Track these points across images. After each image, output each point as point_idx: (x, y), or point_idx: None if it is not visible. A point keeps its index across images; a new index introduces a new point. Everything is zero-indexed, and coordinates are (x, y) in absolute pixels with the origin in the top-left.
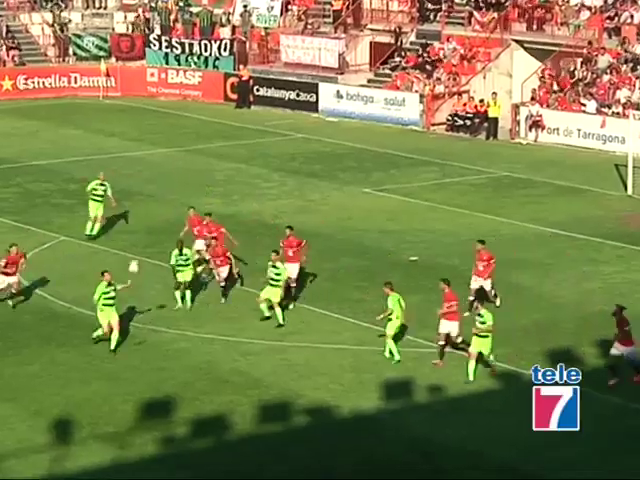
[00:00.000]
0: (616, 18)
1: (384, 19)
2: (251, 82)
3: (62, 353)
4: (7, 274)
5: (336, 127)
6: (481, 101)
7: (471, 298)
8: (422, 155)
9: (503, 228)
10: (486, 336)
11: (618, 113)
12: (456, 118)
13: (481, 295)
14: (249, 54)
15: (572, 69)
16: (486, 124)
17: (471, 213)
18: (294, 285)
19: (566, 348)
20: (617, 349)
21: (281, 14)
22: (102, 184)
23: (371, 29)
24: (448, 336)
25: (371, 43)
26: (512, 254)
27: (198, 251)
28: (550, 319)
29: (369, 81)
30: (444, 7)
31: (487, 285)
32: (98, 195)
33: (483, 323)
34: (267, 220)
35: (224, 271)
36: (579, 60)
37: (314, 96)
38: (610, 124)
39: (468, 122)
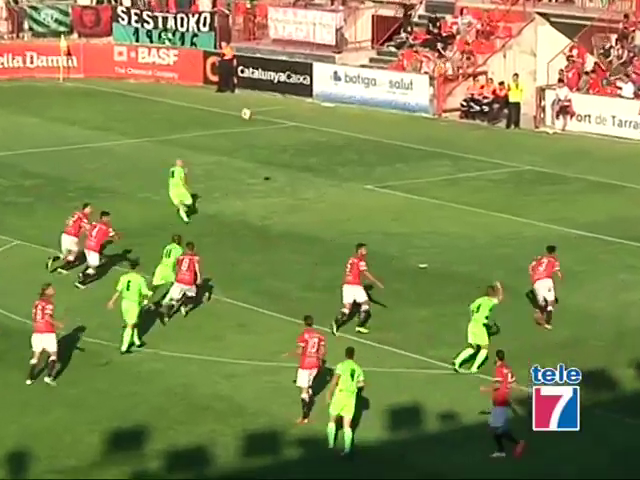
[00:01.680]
0: None
1: None
2: (235, 62)
3: (17, 375)
4: None
5: (333, 114)
6: (501, 84)
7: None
8: (432, 146)
9: (525, 230)
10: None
11: None
12: (472, 103)
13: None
14: (232, 29)
15: (606, 47)
16: (506, 110)
17: (488, 213)
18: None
19: (599, 369)
20: None
21: None
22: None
23: (374, 0)
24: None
25: (373, 17)
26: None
27: None
28: (580, 336)
29: (371, 60)
30: None
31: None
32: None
33: None
34: (253, 221)
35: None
36: (614, 36)
37: (308, 78)
38: None
39: (485, 108)
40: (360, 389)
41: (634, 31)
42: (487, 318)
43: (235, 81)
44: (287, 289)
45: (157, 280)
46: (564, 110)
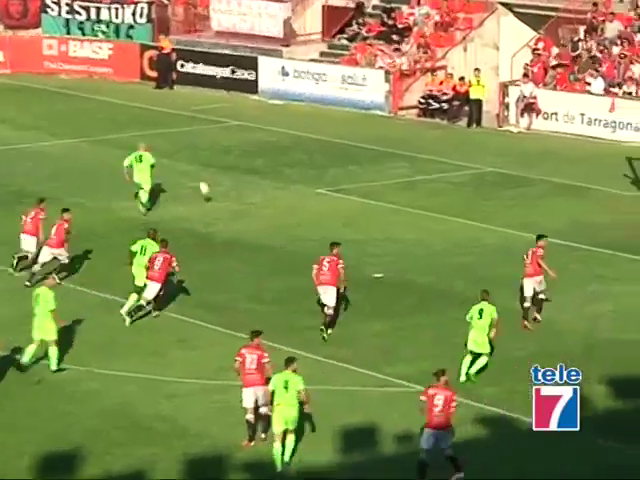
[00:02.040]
0: None
1: None
2: (174, 56)
3: None
4: None
5: (281, 112)
6: (461, 79)
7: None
8: (388, 147)
9: (487, 237)
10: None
11: (630, 94)
12: (430, 100)
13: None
14: (171, 21)
15: (574, 39)
16: (467, 108)
17: (447, 218)
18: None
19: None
20: None
21: None
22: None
23: None
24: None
25: (324, 7)
26: (498, 269)
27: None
28: (547, 350)
29: (322, 54)
30: None
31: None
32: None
33: None
34: (196, 228)
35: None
36: (582, 28)
37: (253, 73)
38: (621, 107)
39: (445, 105)
40: (302, 403)
41: (604, 22)
42: (490, 325)
43: (174, 77)
44: (232, 301)
45: (140, 281)
46: (529, 107)
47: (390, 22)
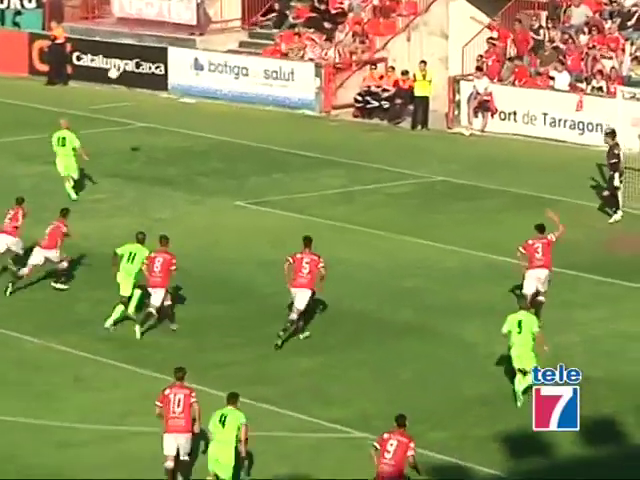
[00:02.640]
0: None
1: None
2: (69, 47)
3: None
4: None
5: (195, 112)
6: (404, 73)
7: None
8: (319, 152)
9: (436, 257)
10: None
11: (600, 89)
12: (368, 98)
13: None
14: (65, 6)
15: (535, 27)
16: (412, 107)
17: (390, 235)
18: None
19: (529, 432)
20: None
21: None
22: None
23: None
24: None
25: None
26: (450, 295)
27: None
28: (504, 391)
29: (242, 44)
30: None
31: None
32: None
33: None
34: (94, 248)
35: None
36: (544, 14)
37: (162, 67)
38: (590, 106)
39: (385, 104)
40: (242, 440)
41: (569, 7)
42: (533, 337)
43: (69, 71)
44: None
45: (126, 290)
46: (483, 106)
47: (321, 7)
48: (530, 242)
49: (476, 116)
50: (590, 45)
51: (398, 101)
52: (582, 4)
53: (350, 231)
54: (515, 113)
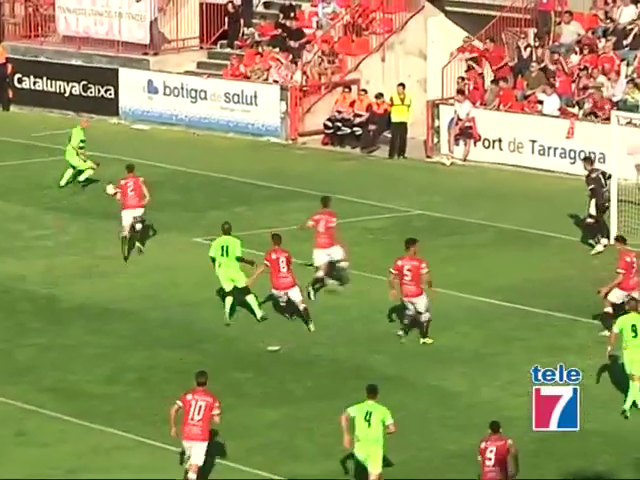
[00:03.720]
0: None
1: None
2: (10, 68)
3: None
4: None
5: (148, 139)
6: (378, 97)
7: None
8: (285, 183)
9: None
10: None
11: (593, 115)
12: (339, 124)
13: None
14: (7, 23)
15: (522, 46)
16: (387, 133)
17: (365, 275)
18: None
19: None
20: None
21: None
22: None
23: None
24: None
25: (202, 5)
26: (432, 339)
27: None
28: None
29: (200, 65)
30: None
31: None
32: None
33: None
34: (36, 289)
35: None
36: (531, 31)
37: (112, 90)
38: (582, 132)
39: (358, 130)
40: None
41: (559, 24)
42: None
43: (10, 95)
44: (83, 382)
45: (236, 282)
46: (466, 133)
47: (288, 24)
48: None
49: (457, 144)
50: (582, 66)
51: (372, 127)
52: (573, 21)
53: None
54: (500, 140)
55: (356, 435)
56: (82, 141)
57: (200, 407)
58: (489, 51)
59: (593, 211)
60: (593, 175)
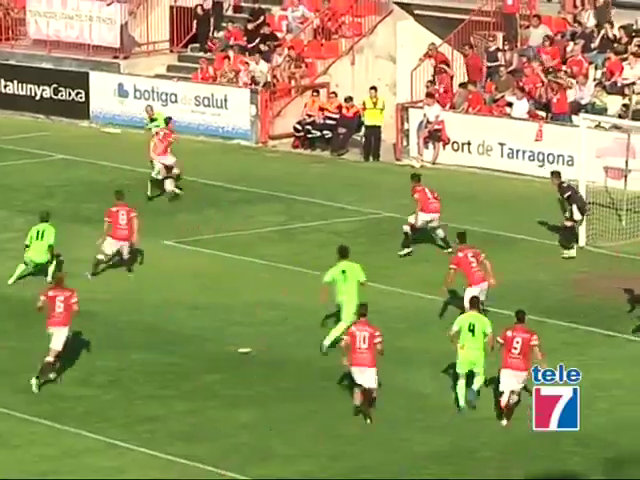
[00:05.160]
0: None
1: None
2: None
3: None
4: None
5: (119, 142)
6: (348, 100)
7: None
8: (256, 186)
9: (385, 300)
10: None
11: (563, 117)
12: (309, 127)
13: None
14: None
15: (491, 49)
16: (357, 136)
17: None
18: None
19: None
20: None
21: None
22: (153, 120)
23: None
24: None
25: (172, 8)
26: (401, 341)
27: None
28: (461, 445)
29: (170, 69)
30: None
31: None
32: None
33: None
34: (7, 291)
35: None
36: (500, 35)
37: (82, 93)
38: (550, 135)
39: (328, 133)
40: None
41: (528, 27)
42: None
43: None
44: (56, 386)
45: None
46: (435, 136)
47: (257, 27)
48: None
49: (427, 147)
50: (550, 69)
51: (342, 130)
52: (541, 24)
53: (289, 272)
54: (469, 143)
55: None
56: None
57: (364, 337)
58: (467, 57)
59: (577, 216)
60: (565, 184)
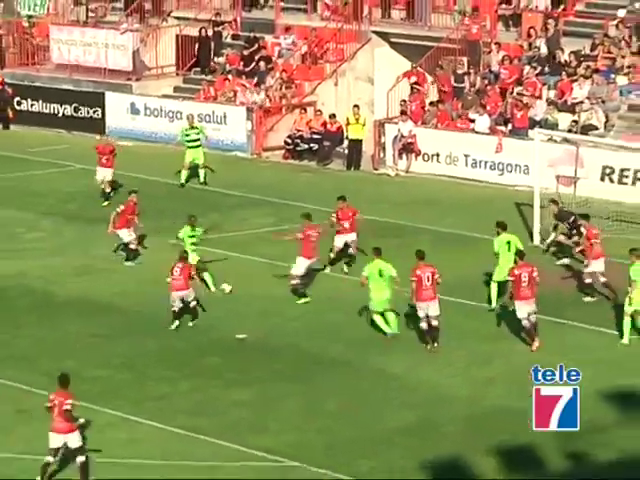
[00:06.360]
0: (514, 2)
1: (196, 4)
2: (9, 92)
3: None
4: None
5: (132, 154)
6: (332, 117)
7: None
8: (251, 192)
9: (363, 292)
10: None
11: (519, 131)
12: (298, 140)
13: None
14: (6, 52)
15: (458, 72)
16: (340, 148)
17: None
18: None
19: (453, 459)
20: None
21: None
22: (193, 127)
23: (178, 17)
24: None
25: (178, 37)
26: (376, 329)
27: None
28: (428, 420)
29: (176, 90)
30: None
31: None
32: (191, 140)
33: None
34: (34, 286)
35: None
36: (465, 60)
37: (99, 111)
38: (509, 148)
39: (314, 146)
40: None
41: (489, 52)
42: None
43: (11, 115)
44: (77, 367)
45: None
46: (408, 148)
47: (252, 53)
48: None
49: (401, 157)
50: (510, 90)
51: (326, 143)
52: (501, 50)
53: (280, 268)
54: (438, 155)
55: None
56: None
57: (428, 277)
58: (440, 77)
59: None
60: (565, 209)
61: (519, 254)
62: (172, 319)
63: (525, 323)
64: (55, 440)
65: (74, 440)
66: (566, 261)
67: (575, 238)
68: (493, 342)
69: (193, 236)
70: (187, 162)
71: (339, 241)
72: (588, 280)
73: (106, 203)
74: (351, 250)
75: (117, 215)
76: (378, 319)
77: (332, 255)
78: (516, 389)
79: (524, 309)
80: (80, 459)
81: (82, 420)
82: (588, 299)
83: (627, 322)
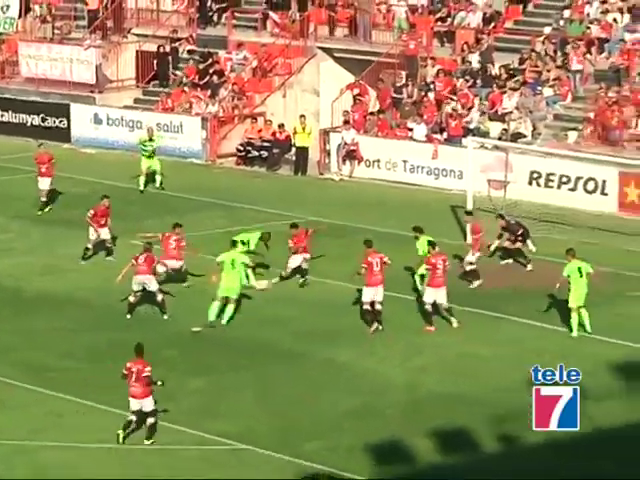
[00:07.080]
0: (448, 20)
1: (154, 21)
2: None
3: None
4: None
5: (95, 161)
6: (281, 126)
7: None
8: (206, 196)
9: (312, 288)
10: None
11: (453, 139)
12: (249, 148)
13: None
14: None
15: (398, 85)
16: (292, 156)
17: (268, 270)
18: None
19: (392, 441)
20: None
21: (20, 15)
22: (152, 140)
23: (137, 34)
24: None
25: (138, 52)
26: (324, 322)
27: None
28: (371, 405)
29: (136, 101)
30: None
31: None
32: (147, 151)
33: None
34: (4, 283)
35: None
36: (404, 73)
37: (65, 121)
38: (444, 154)
39: (264, 153)
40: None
41: (426, 66)
42: None
43: None
44: (45, 359)
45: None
46: (351, 155)
47: (207, 67)
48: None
49: (344, 163)
50: (445, 101)
51: (275, 151)
52: (436, 64)
53: None
54: (379, 161)
55: None
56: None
57: (377, 262)
58: (380, 89)
59: (533, 248)
60: (512, 222)
61: (431, 244)
62: (127, 310)
63: (428, 307)
64: (134, 404)
65: (148, 404)
66: (510, 261)
67: (518, 244)
68: (426, 334)
69: None
70: (143, 169)
71: (294, 262)
72: (470, 267)
73: (40, 213)
74: (304, 265)
75: (92, 221)
76: (216, 305)
77: (284, 273)
78: (448, 377)
79: (431, 295)
80: (150, 420)
81: (160, 382)
82: (477, 283)
83: (574, 317)
